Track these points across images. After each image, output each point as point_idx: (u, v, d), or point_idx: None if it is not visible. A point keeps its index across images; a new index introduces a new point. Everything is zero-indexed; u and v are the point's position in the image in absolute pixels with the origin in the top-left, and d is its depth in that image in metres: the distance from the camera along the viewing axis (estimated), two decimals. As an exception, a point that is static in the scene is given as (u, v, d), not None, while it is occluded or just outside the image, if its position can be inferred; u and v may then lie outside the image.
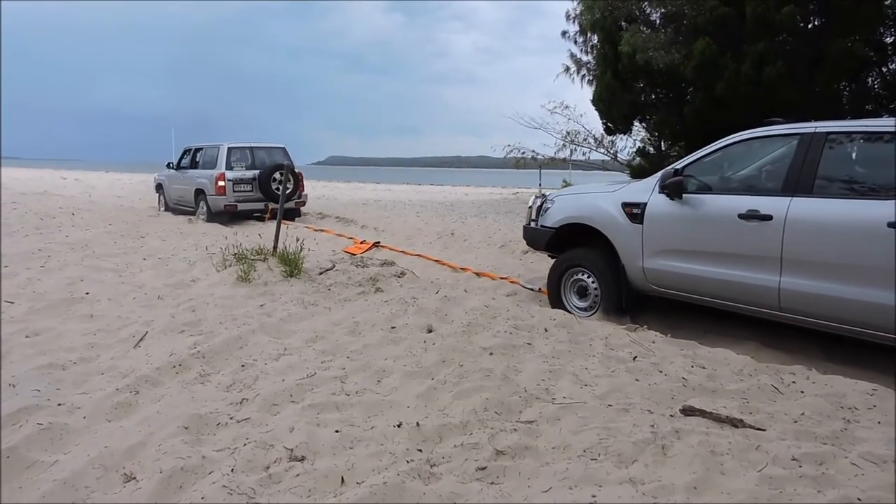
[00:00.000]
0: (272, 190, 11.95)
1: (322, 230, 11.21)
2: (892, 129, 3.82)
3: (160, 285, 5.69)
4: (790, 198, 4.03)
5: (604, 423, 2.78)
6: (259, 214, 12.44)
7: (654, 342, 4.18)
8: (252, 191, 12.19)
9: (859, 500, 2.09)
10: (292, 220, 12.47)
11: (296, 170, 12.52)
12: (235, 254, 6.21)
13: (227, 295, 5.23)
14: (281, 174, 11.81)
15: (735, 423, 2.76)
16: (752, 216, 4.17)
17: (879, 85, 11.98)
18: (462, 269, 7.43)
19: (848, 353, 4.23)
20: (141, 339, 4.08)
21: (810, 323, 4.03)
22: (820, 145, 4.01)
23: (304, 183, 13.06)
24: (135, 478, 2.38)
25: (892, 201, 3.58)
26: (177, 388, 3.28)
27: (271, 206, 11.99)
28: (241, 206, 12.01)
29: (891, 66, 11.83)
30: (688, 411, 2.90)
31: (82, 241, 8.02)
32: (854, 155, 4.07)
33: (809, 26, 11.57)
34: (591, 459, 2.47)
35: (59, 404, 3.00)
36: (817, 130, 4.07)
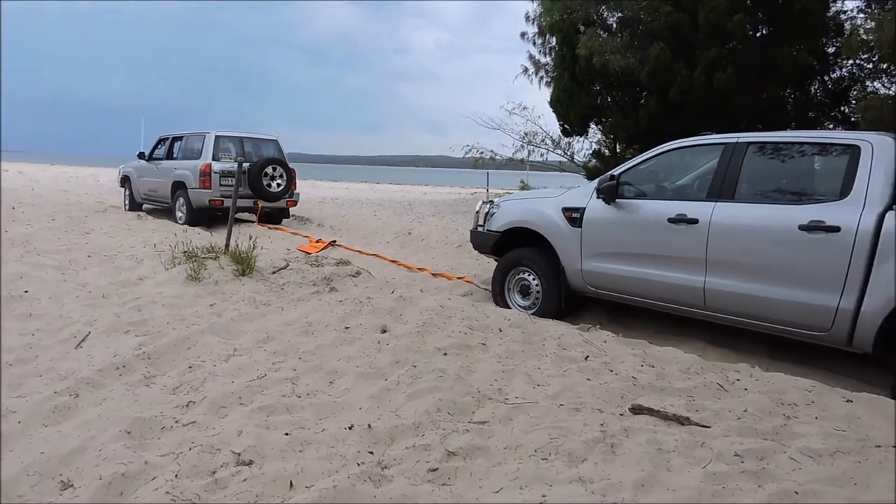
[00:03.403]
0: (263, 186, 10.95)
1: (277, 228, 11.00)
2: (805, 140, 4.26)
3: (105, 283, 5.49)
4: (714, 203, 4.32)
5: (555, 422, 2.80)
6: (248, 214, 11.39)
7: (605, 342, 4.24)
8: (240, 186, 11.02)
9: (796, 493, 2.16)
10: (279, 222, 11.69)
11: (290, 165, 11.52)
12: (185, 252, 6.04)
13: (175, 294, 5.08)
14: (273, 169, 11.13)
15: (682, 421, 2.82)
16: (680, 220, 4.43)
17: (821, 93, 12.45)
18: (419, 269, 7.41)
19: (792, 351, 4.39)
20: (83, 340, 3.93)
21: (733, 321, 4.30)
22: (742, 154, 4.34)
23: (296, 181, 11.90)
24: (72, 485, 2.29)
25: (805, 206, 3.90)
26: (120, 390, 3.17)
27: (261, 204, 11.12)
28: (227, 202, 10.10)
29: (832, 75, 12.31)
30: (637, 410, 2.95)
31: (23, 237, 7.68)
32: (771, 164, 4.37)
33: (759, 34, 11.94)
34: (542, 459, 2.49)
35: (-7, 408, 2.87)
36: (739, 140, 4.41)
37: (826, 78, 12.33)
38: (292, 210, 12.36)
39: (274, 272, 5.86)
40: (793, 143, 4.31)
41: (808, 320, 3.82)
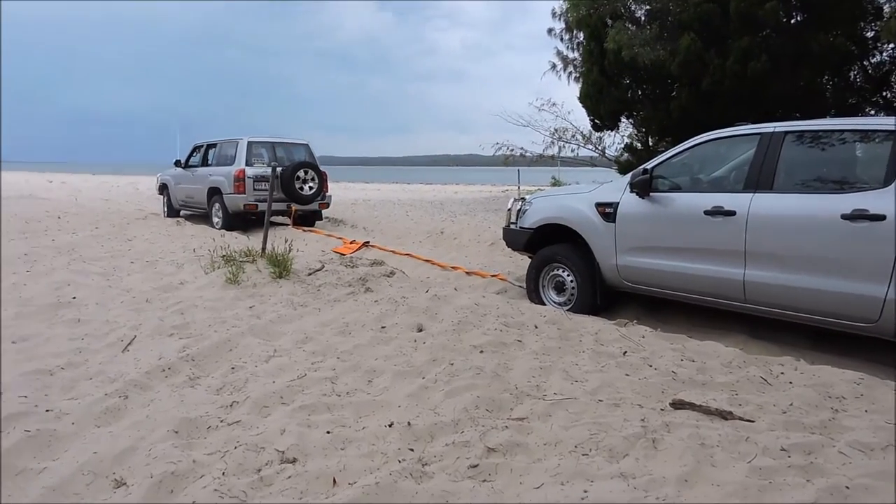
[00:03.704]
0: (296, 190, 11.13)
1: (312, 231, 11.14)
2: (845, 127, 4.15)
3: (148, 288, 5.65)
4: (752, 194, 4.23)
5: (594, 418, 2.79)
6: (282, 217, 11.53)
7: (643, 337, 4.20)
8: (274, 190, 11.17)
9: (847, 487, 2.11)
10: (312, 224, 11.81)
11: (321, 168, 11.68)
12: (224, 256, 6.17)
13: (215, 297, 5.20)
14: (305, 172, 11.30)
15: (725, 416, 2.78)
16: (716, 212, 4.36)
17: (861, 78, 12.09)
18: (452, 267, 7.43)
19: (836, 343, 4.29)
20: (129, 344, 4.05)
21: (774, 314, 4.21)
22: (779, 144, 4.24)
23: (328, 183, 12.02)
24: (125, 483, 2.37)
25: (847, 195, 3.79)
26: (166, 392, 3.26)
27: (294, 207, 11.30)
28: (261, 206, 10.35)
29: (872, 60, 11.95)
30: (678, 405, 2.92)
31: (69, 245, 7.94)
32: (810, 152, 4.26)
33: (792, 21, 11.65)
34: (583, 455, 2.48)
35: (47, 410, 2.97)
36: (776, 130, 4.31)
37: (866, 63, 11.97)
38: (325, 212, 12.51)
39: (310, 274, 5.94)
40: (832, 131, 4.19)
41: (854, 311, 3.73)
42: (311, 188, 11.43)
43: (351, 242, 9.35)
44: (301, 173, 11.29)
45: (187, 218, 13.12)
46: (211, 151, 12.34)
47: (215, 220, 11.61)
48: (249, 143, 11.34)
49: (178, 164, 13.25)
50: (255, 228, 10.50)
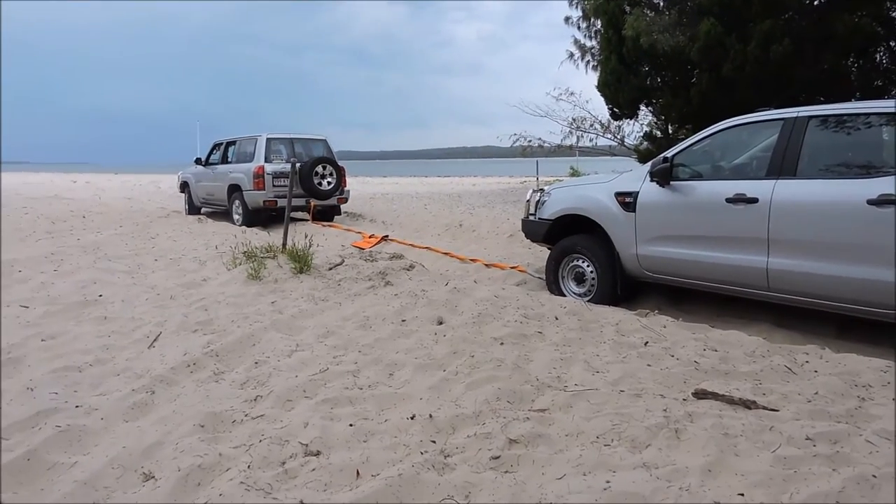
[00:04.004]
0: (314, 185, 11.27)
1: (331, 225, 11.21)
2: (870, 111, 4.04)
3: (172, 285, 5.73)
4: (775, 180, 4.16)
5: (616, 408, 2.78)
6: (301, 213, 11.63)
7: (665, 327, 4.17)
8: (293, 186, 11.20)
9: (874, 476, 2.08)
10: (331, 219, 11.89)
11: (339, 163, 11.86)
12: (245, 252, 6.24)
13: (238, 293, 5.26)
14: (323, 168, 11.43)
15: (748, 405, 2.76)
16: (739, 200, 4.30)
17: (888, 60, 11.81)
18: (471, 260, 7.43)
19: (862, 330, 4.22)
20: (155, 340, 4.12)
21: (799, 301, 4.15)
22: (802, 129, 4.16)
23: (346, 178, 12.19)
24: (153, 477, 2.41)
25: (873, 179, 3.72)
26: (192, 386, 3.31)
27: (313, 202, 11.43)
28: (281, 202, 10.64)
29: (899, 41, 11.67)
30: (700, 394, 2.89)
31: (94, 244, 8.08)
32: (834, 137, 4.18)
33: (815, 3, 11.41)
34: (605, 445, 2.47)
35: (77, 406, 3.04)
36: (799, 115, 4.23)
37: (893, 44, 11.68)
38: (344, 207, 12.57)
39: (330, 269, 5.98)
40: (857, 115, 4.10)
41: (880, 298, 3.66)
42: (329, 183, 11.54)
43: (370, 237, 9.40)
44: (319, 168, 11.40)
45: (209, 215, 13.28)
46: (231, 149, 12.49)
47: (235, 216, 11.77)
48: (268, 140, 11.41)
49: (198, 161, 13.38)
50: (275, 225, 10.63)
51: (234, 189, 11.69)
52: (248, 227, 11.02)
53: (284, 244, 6.58)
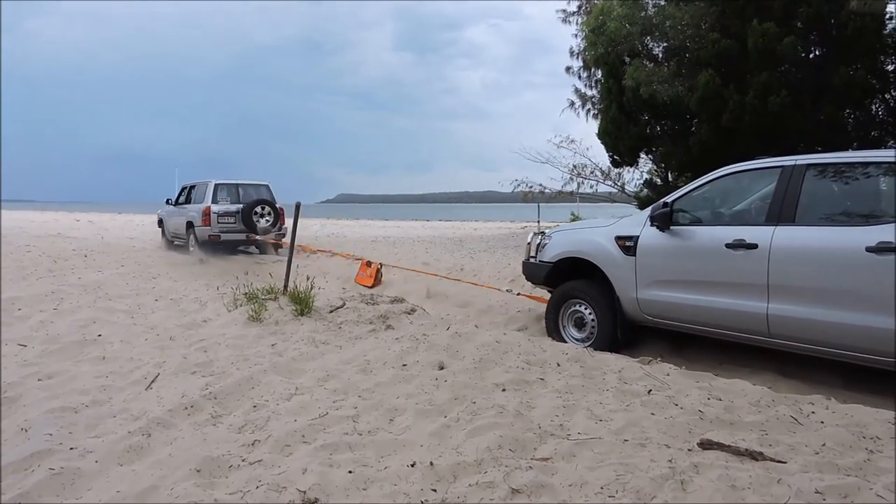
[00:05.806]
0: (253, 222, 13.30)
1: (336, 254, 11.98)
2: (868, 160, 4.10)
3: (172, 326, 5.71)
4: (774, 227, 4.19)
5: (620, 458, 2.73)
6: (243, 248, 14.02)
7: (668, 375, 4.12)
8: (235, 223, 13.36)
9: (887, 534, 2.03)
10: (277, 250, 13.62)
11: (277, 205, 13.79)
12: (246, 293, 6.23)
13: (238, 335, 5.23)
14: (262, 208, 13.44)
15: (755, 456, 2.71)
16: (738, 245, 4.32)
17: (884, 112, 12.00)
18: (473, 283, 7.48)
19: (868, 380, 4.17)
20: (153, 381, 4.08)
21: (800, 348, 4.13)
22: (800, 177, 4.22)
23: (284, 218, 13.99)
24: (147, 523, 2.36)
25: (871, 227, 3.75)
26: (189, 430, 3.26)
27: (252, 236, 13.55)
28: (224, 237, 13.26)
29: (894, 93, 11.87)
30: (706, 445, 2.85)
31: (95, 283, 8.08)
32: (832, 185, 4.24)
33: (811, 56, 11.67)
34: (609, 496, 2.42)
35: (72, 448, 2.99)
36: (797, 163, 4.29)
37: (888, 96, 11.89)
38: (347, 250, 13.49)
39: (331, 311, 5.96)
40: (855, 164, 4.17)
41: (881, 346, 3.63)
42: (267, 221, 13.58)
43: (368, 264, 9.62)
44: (258, 209, 13.48)
45: (210, 255, 13.44)
46: (193, 191, 14.59)
47: (191, 248, 13.76)
48: (216, 185, 13.73)
49: (168, 202, 15.77)
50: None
51: (190, 225, 13.83)
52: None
53: (286, 286, 6.57)
